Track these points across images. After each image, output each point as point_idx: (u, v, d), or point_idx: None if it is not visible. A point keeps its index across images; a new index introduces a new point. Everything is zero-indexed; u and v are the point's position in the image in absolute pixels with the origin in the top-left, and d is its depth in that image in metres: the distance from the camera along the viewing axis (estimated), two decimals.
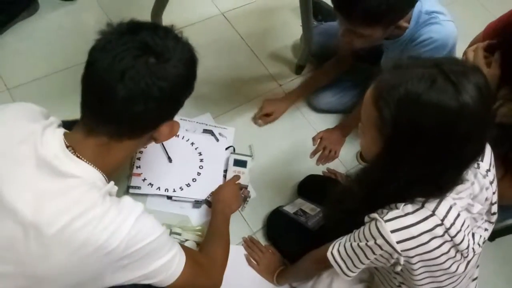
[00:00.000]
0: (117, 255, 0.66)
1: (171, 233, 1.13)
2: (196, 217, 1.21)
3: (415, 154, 0.64)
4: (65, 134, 0.71)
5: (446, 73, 0.61)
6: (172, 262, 0.75)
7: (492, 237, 1.30)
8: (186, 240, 1.14)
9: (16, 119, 0.72)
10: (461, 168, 0.68)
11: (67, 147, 0.69)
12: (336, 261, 0.78)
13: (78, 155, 0.69)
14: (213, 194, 1.20)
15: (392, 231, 0.67)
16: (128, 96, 0.65)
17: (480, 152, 0.69)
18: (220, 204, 1.14)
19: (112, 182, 0.72)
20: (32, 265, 0.64)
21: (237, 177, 1.25)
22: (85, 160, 0.69)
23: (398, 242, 0.67)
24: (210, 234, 1.06)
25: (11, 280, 0.65)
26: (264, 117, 1.43)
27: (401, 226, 0.67)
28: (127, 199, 0.70)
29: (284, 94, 1.52)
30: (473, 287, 0.90)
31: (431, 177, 0.66)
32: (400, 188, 0.68)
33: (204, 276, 0.85)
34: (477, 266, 0.88)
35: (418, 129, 0.62)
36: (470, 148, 0.64)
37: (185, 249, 0.82)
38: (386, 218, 0.68)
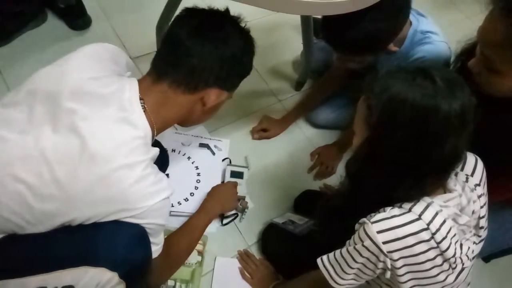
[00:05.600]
0: (130, 214, 0.72)
1: None
2: None
3: (393, 145, 0.68)
4: (138, 81, 0.79)
5: (430, 74, 0.66)
6: (154, 246, 0.80)
7: (488, 258, 1.30)
8: None
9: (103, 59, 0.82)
10: (439, 171, 0.71)
11: (140, 99, 0.77)
12: (324, 266, 0.79)
13: (145, 105, 0.77)
14: (209, 191, 1.22)
15: (378, 232, 0.69)
16: (193, 46, 0.78)
17: (456, 161, 0.72)
18: (212, 201, 1.16)
19: (157, 149, 0.79)
20: (68, 185, 0.69)
21: (236, 182, 1.26)
22: (148, 110, 0.77)
23: (384, 243, 0.68)
24: (184, 229, 1.06)
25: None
26: (261, 132, 1.45)
27: (387, 227, 0.69)
28: (164, 177, 0.77)
29: (284, 110, 1.54)
30: None
31: (410, 175, 0.69)
32: (383, 186, 0.71)
33: (157, 272, 0.89)
34: (468, 284, 0.88)
35: (397, 121, 0.67)
36: (446, 153, 0.67)
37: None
38: (372, 220, 0.70)
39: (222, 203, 1.18)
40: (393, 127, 0.67)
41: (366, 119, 0.71)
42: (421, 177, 0.69)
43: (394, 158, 0.69)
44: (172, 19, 0.84)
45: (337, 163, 1.43)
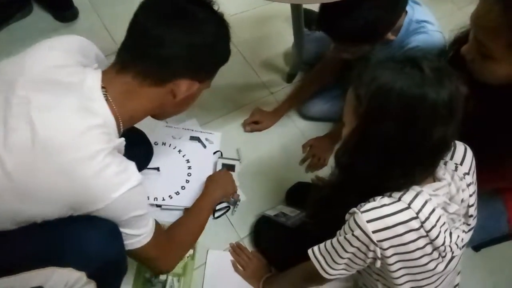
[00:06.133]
0: (94, 207, 0.69)
1: None
2: None
3: (381, 134, 0.68)
4: (102, 72, 0.75)
5: (418, 63, 0.65)
6: (135, 237, 0.78)
7: (478, 247, 1.31)
8: None
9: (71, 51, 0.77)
10: (428, 160, 0.71)
11: (102, 87, 0.73)
12: (315, 257, 0.79)
13: (108, 95, 0.73)
14: (208, 177, 1.21)
15: (368, 221, 0.69)
16: (161, 35, 0.73)
17: (445, 150, 0.72)
18: (213, 185, 1.17)
19: (122, 139, 0.75)
20: (22, 178, 0.65)
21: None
22: (111, 100, 0.73)
23: (373, 232, 0.68)
24: (188, 215, 1.06)
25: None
26: (253, 124, 1.44)
27: (376, 216, 0.69)
28: (131, 166, 0.72)
29: (276, 102, 1.53)
30: None
31: (399, 165, 0.69)
32: (372, 176, 0.71)
33: (160, 260, 0.87)
34: (458, 273, 0.88)
35: (385, 110, 0.67)
36: (434, 141, 0.66)
37: (157, 227, 0.83)
38: (362, 209, 0.70)
39: (223, 186, 1.19)
40: (382, 116, 0.67)
41: (355, 109, 0.71)
42: (410, 166, 0.69)
43: (383, 147, 0.69)
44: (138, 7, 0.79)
45: (329, 155, 1.43)
